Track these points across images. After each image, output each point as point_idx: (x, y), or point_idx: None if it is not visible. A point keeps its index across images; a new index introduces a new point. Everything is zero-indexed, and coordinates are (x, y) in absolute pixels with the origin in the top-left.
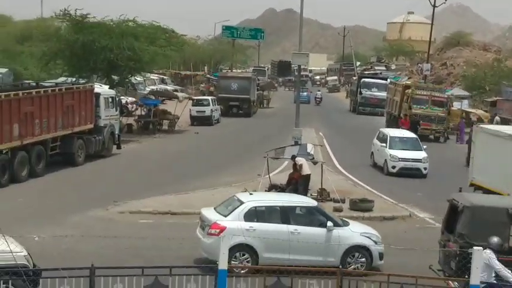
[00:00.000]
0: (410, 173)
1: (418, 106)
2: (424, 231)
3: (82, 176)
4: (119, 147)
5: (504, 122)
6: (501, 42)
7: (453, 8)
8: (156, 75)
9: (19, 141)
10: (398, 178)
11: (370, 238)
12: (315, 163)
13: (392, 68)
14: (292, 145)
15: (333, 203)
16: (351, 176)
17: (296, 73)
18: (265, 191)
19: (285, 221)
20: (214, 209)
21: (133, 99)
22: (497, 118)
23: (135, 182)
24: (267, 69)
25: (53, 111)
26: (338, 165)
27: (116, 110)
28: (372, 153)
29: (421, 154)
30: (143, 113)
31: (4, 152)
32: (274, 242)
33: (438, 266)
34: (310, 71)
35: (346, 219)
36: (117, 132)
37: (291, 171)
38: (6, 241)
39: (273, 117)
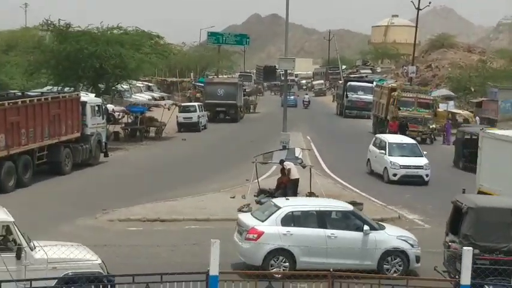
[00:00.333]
0: (411, 180)
1: (405, 108)
2: (413, 233)
3: (70, 184)
4: (106, 155)
5: (490, 122)
6: (485, 43)
7: (437, 10)
8: (142, 82)
9: (5, 151)
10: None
11: (406, 241)
12: (303, 167)
13: (378, 71)
14: (280, 149)
15: None
16: (339, 179)
17: (282, 78)
18: (254, 196)
19: (322, 225)
20: (251, 214)
21: (120, 107)
22: (476, 119)
23: (124, 189)
24: (253, 74)
25: (39, 121)
26: (326, 169)
27: (103, 118)
28: (369, 160)
29: (422, 160)
30: (130, 120)
31: None
32: (311, 246)
33: (443, 268)
34: (296, 75)
35: (382, 223)
36: (104, 140)
37: (280, 175)
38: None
39: (260, 122)
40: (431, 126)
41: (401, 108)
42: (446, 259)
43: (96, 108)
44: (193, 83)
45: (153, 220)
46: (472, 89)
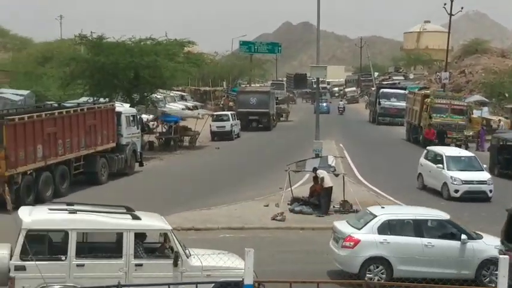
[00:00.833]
0: (474, 196)
1: (438, 115)
2: None
3: (106, 194)
4: (141, 165)
5: None
6: None
7: (470, 15)
8: (176, 92)
9: (43, 161)
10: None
11: None
12: (336, 175)
13: (411, 77)
14: (313, 158)
15: (356, 215)
16: (372, 187)
17: (313, 85)
18: (288, 204)
19: (418, 234)
20: (347, 221)
21: (154, 116)
22: (501, 124)
23: (158, 198)
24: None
25: (76, 131)
26: (359, 176)
27: (138, 128)
28: (420, 174)
29: (484, 175)
30: (164, 130)
31: (29, 173)
32: (408, 255)
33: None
34: (328, 83)
35: (479, 232)
36: (139, 149)
37: (312, 184)
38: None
39: (292, 130)
40: (465, 133)
41: (434, 114)
42: None
43: (131, 118)
44: (226, 92)
45: (188, 229)
46: (506, 95)
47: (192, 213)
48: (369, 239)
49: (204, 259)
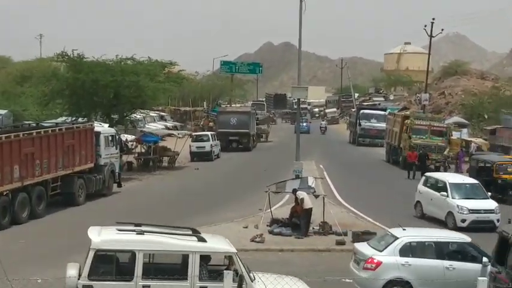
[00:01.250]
0: (482, 226)
1: (418, 136)
2: None
3: (83, 215)
4: (119, 186)
5: (504, 149)
6: (498, 70)
7: (450, 37)
8: (155, 112)
9: (20, 182)
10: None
11: None
12: (316, 196)
13: (391, 98)
14: (293, 179)
15: (336, 236)
16: (352, 208)
17: (294, 105)
18: (267, 225)
19: (440, 256)
20: (367, 243)
21: (134, 136)
22: (473, 145)
23: (137, 220)
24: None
25: (54, 152)
26: (339, 198)
27: (116, 148)
28: (418, 202)
29: (491, 203)
30: (143, 150)
31: (5, 193)
32: (430, 278)
33: None
34: (309, 103)
35: None
36: (117, 170)
37: (293, 205)
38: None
39: (272, 150)
40: (445, 154)
41: (414, 136)
42: None
43: (110, 138)
44: (206, 112)
45: None
46: (486, 116)
47: None
48: (390, 261)
49: (268, 283)
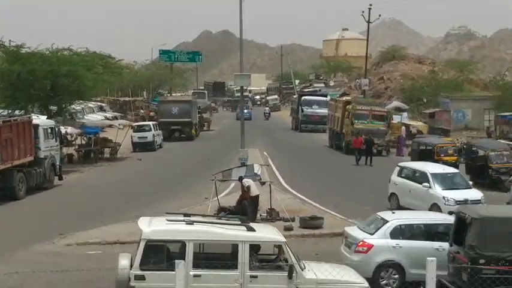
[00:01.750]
0: None
1: (360, 121)
2: None
3: (24, 209)
4: (60, 178)
5: (443, 132)
6: (434, 54)
7: (386, 23)
8: (94, 103)
9: None
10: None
11: None
12: (262, 183)
13: (331, 84)
14: (239, 166)
15: (283, 222)
16: (298, 194)
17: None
18: (214, 213)
19: (429, 238)
20: (358, 227)
21: (74, 128)
22: (403, 128)
23: (80, 213)
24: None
25: None
26: (285, 184)
27: (56, 141)
28: (393, 194)
29: (476, 193)
30: (83, 142)
31: None
32: (420, 259)
33: (447, 278)
34: (250, 91)
35: None
36: (58, 163)
37: (240, 193)
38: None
39: (215, 139)
40: (386, 139)
41: (356, 121)
42: (451, 271)
43: (49, 130)
44: (146, 102)
45: (113, 243)
46: (424, 100)
47: (116, 227)
48: (381, 243)
49: (319, 272)
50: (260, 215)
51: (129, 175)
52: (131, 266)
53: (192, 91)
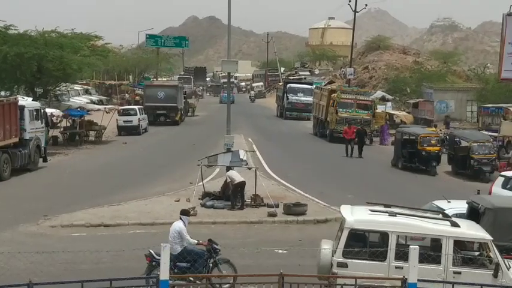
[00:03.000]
0: None
1: (344, 110)
2: None
3: (9, 190)
4: (45, 160)
5: (426, 122)
6: (419, 45)
7: (372, 12)
8: (80, 85)
9: None
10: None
11: None
12: (249, 168)
13: (316, 72)
14: (224, 152)
15: (267, 208)
16: (282, 181)
17: (220, 79)
18: (199, 199)
19: None
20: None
21: (59, 111)
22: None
23: (65, 195)
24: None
25: None
26: (269, 171)
27: (42, 123)
28: None
29: None
30: (68, 124)
31: None
32: None
33: None
34: (235, 77)
35: None
36: (43, 145)
37: (224, 178)
38: None
39: (200, 124)
40: (371, 128)
41: (341, 109)
42: None
43: (35, 112)
44: (132, 86)
45: (97, 225)
46: (408, 90)
47: (101, 209)
48: None
49: None
50: (245, 201)
51: (114, 158)
52: (333, 252)
53: (178, 76)
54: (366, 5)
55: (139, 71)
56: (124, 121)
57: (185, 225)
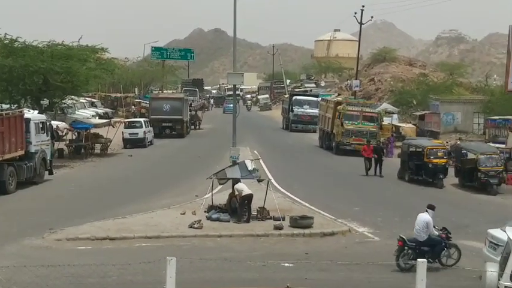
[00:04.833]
0: None
1: (350, 122)
2: (364, 246)
3: (14, 204)
4: (51, 173)
5: (432, 134)
6: (425, 57)
7: (377, 24)
8: (86, 98)
9: None
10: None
11: None
12: (259, 181)
13: (322, 85)
14: (230, 165)
15: (273, 221)
16: (288, 194)
17: (225, 92)
18: (204, 212)
19: None
20: (501, 229)
21: (65, 123)
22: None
23: (70, 208)
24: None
25: None
26: (275, 183)
27: (47, 135)
28: None
29: None
30: (74, 137)
31: None
32: None
33: None
34: (241, 90)
35: None
36: (48, 157)
37: (230, 191)
38: None
39: (206, 136)
40: (377, 140)
41: (347, 122)
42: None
43: (41, 125)
44: (137, 98)
45: (103, 238)
46: (414, 102)
47: (106, 223)
48: None
49: None
50: (251, 214)
51: (120, 171)
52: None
53: (184, 88)
54: (372, 17)
55: (145, 84)
56: (130, 134)
57: (432, 218)
